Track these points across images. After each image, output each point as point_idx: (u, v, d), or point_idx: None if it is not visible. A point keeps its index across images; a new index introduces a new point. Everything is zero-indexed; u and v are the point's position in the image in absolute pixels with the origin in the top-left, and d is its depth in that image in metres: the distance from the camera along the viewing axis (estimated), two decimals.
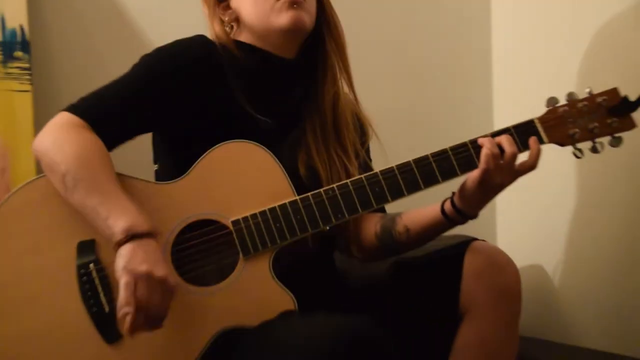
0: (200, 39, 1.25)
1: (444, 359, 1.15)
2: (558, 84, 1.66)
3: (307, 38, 1.29)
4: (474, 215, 1.19)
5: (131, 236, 1.04)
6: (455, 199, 1.18)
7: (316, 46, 1.31)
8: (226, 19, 1.28)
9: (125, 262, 1.02)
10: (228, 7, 1.29)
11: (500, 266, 1.15)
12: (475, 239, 1.19)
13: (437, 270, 1.18)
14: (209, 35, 1.30)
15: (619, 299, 1.64)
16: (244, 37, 1.28)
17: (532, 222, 1.90)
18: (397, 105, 1.86)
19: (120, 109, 1.18)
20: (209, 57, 1.24)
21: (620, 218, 1.65)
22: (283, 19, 1.22)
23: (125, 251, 1.03)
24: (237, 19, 1.27)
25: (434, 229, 1.23)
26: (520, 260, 1.19)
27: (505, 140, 1.12)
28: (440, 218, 1.20)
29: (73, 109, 1.16)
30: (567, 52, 1.76)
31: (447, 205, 1.19)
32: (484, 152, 1.11)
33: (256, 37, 1.26)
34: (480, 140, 1.13)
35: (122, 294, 1.01)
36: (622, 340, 1.60)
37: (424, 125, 1.97)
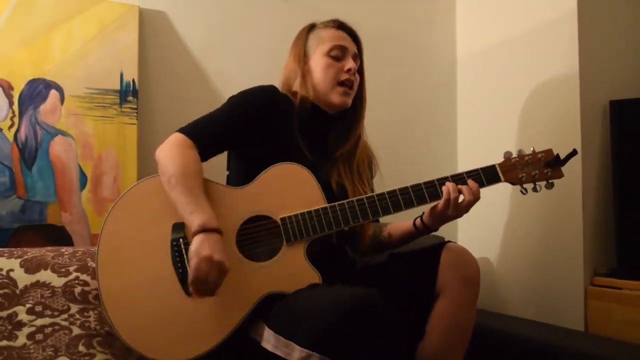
0: (272, 87, 1.45)
1: (423, 325, 1.29)
2: (502, 125, 1.88)
3: None
4: (435, 230, 1.39)
5: (203, 230, 1.20)
6: (424, 217, 1.37)
7: (351, 108, 1.50)
8: (304, 72, 1.47)
9: (195, 248, 1.17)
10: (308, 62, 1.49)
11: (467, 261, 1.30)
12: (449, 241, 1.35)
13: (421, 261, 1.32)
14: (278, 83, 1.50)
15: (537, 281, 1.77)
16: (308, 91, 1.46)
17: (481, 227, 2.00)
18: (385, 139, 1.94)
19: (216, 132, 1.36)
20: (278, 100, 1.43)
21: (537, 225, 1.80)
22: (337, 98, 1.45)
23: (197, 240, 1.19)
24: (309, 75, 1.47)
25: (407, 236, 1.42)
26: (473, 254, 1.32)
27: (466, 190, 1.30)
28: (412, 229, 1.40)
29: (183, 130, 1.35)
30: (512, 101, 1.90)
31: (418, 221, 1.39)
32: (444, 193, 1.29)
33: (315, 94, 1.46)
34: (447, 184, 1.30)
35: (190, 272, 1.17)
36: (540, 310, 1.75)
37: (405, 161, 2.10)
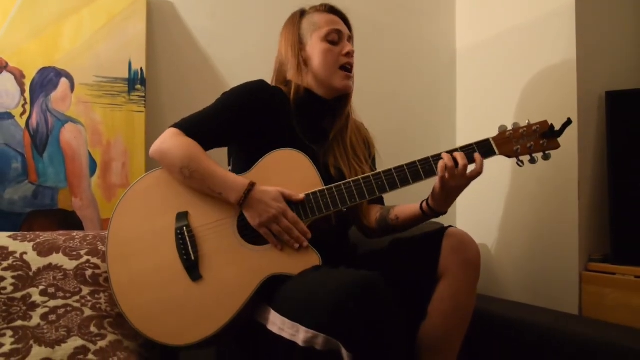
0: (261, 82, 1.44)
1: (424, 307, 1.29)
2: (500, 115, 1.86)
3: None
4: (443, 212, 1.36)
5: (242, 201, 1.25)
6: (429, 200, 1.36)
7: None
8: (300, 59, 1.46)
9: (252, 222, 1.25)
10: (304, 49, 1.47)
11: (468, 245, 1.28)
12: (451, 226, 1.33)
13: (424, 246, 1.31)
14: (270, 77, 1.50)
15: (534, 267, 1.78)
16: (304, 78, 1.45)
17: (479, 214, 2.01)
18: (389, 127, 2.02)
19: (209, 126, 1.36)
20: (269, 93, 1.42)
21: (534, 213, 1.80)
22: (340, 83, 1.44)
23: (247, 214, 1.26)
24: (306, 63, 1.46)
25: (415, 220, 1.41)
26: None
27: (459, 156, 1.28)
28: (420, 213, 1.38)
29: (177, 125, 1.35)
30: (511, 92, 1.89)
31: (424, 204, 1.37)
32: (440, 164, 1.27)
33: (315, 81, 1.45)
34: (442, 155, 1.29)
35: (269, 239, 1.26)
36: (535, 294, 1.76)
37: (406, 140, 2.11)
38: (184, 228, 1.28)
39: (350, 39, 1.51)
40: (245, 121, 1.37)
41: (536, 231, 1.79)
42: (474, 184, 1.31)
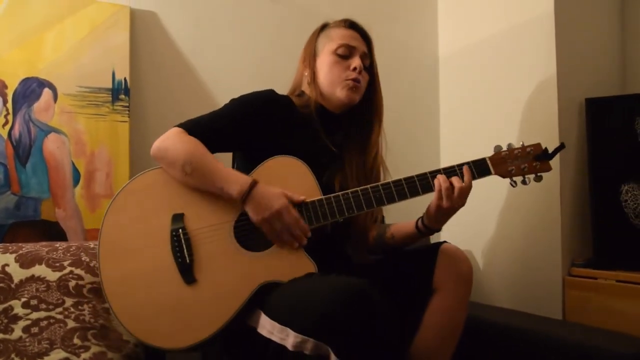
0: (269, 92, 1.42)
1: (418, 319, 1.30)
2: (483, 122, 1.85)
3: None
4: (438, 230, 1.37)
5: (245, 195, 1.24)
6: (424, 218, 1.37)
7: (361, 110, 1.47)
8: (307, 73, 1.46)
9: (255, 217, 1.23)
10: (315, 62, 1.46)
11: (461, 261, 1.31)
12: (445, 242, 1.35)
13: (419, 260, 1.33)
14: (288, 87, 1.50)
15: (518, 272, 1.80)
16: (313, 90, 1.44)
17: (463, 221, 1.87)
18: None
19: (214, 128, 1.34)
20: (276, 102, 1.41)
21: (517, 219, 1.82)
22: (343, 94, 1.42)
23: (249, 209, 1.24)
24: (316, 75, 1.45)
25: (410, 238, 1.41)
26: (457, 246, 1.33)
27: (455, 179, 1.30)
28: (415, 231, 1.39)
29: (181, 125, 1.33)
30: (493, 98, 1.92)
31: (419, 223, 1.38)
32: (436, 186, 1.28)
33: (320, 94, 1.45)
34: (438, 177, 1.28)
35: (271, 236, 1.24)
36: (520, 300, 1.78)
37: (390, 155, 2.04)
38: (180, 230, 1.26)
39: (367, 56, 1.48)
40: (248, 130, 1.36)
41: (520, 237, 1.80)
42: None
